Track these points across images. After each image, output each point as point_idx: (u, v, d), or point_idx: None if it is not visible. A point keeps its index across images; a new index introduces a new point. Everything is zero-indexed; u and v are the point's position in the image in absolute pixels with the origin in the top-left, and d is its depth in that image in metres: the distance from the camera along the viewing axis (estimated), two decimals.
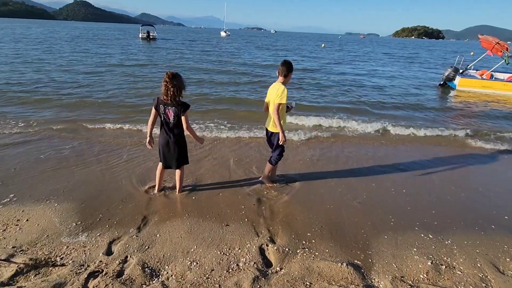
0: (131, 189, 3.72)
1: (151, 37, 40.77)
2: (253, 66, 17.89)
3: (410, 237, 3.05)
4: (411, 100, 10.58)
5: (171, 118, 3.16)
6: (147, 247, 2.70)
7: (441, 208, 3.65)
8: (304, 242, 2.88)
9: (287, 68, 3.46)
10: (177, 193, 3.63)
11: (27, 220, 3.04)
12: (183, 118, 3.15)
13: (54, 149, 4.89)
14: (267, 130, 3.74)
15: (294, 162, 4.79)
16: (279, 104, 3.37)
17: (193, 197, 3.61)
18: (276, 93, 3.38)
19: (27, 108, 7.31)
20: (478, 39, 14.30)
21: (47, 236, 2.80)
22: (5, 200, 3.38)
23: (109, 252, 2.61)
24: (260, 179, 4.09)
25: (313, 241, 2.90)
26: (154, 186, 3.70)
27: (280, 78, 3.51)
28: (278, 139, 3.52)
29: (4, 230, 2.86)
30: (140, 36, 41.82)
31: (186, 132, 3.29)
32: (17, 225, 2.95)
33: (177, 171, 3.55)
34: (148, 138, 3.32)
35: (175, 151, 3.33)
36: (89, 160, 4.55)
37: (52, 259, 2.49)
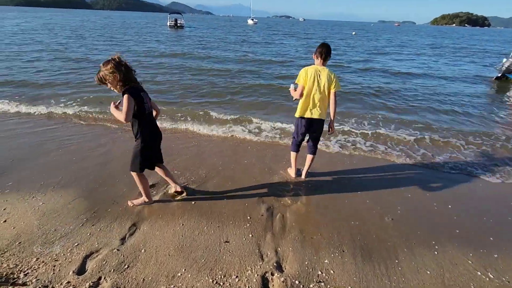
0: (126, 188, 3.29)
1: (178, 25, 40.80)
2: (283, 56, 16.89)
3: (462, 273, 2.33)
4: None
5: (149, 104, 2.69)
6: (126, 266, 2.23)
7: (501, 234, 2.86)
8: (320, 272, 2.27)
9: (328, 50, 3.17)
10: (174, 190, 3.23)
11: (5, 221, 2.71)
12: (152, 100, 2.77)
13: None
14: (308, 118, 3.31)
15: (314, 167, 4.13)
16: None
17: (193, 202, 3.11)
18: (331, 79, 3.16)
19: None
20: None
21: (19, 243, 2.43)
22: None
23: (81, 270, 2.18)
24: (303, 177, 3.71)
25: (332, 271, 2.28)
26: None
27: (320, 61, 3.20)
28: (323, 128, 3.39)
29: None
30: (168, 24, 42.02)
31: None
32: None
33: (163, 166, 3.10)
34: None
35: (160, 139, 2.91)
36: (93, 150, 4.21)
37: (15, 275, 2.10)
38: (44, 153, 4.10)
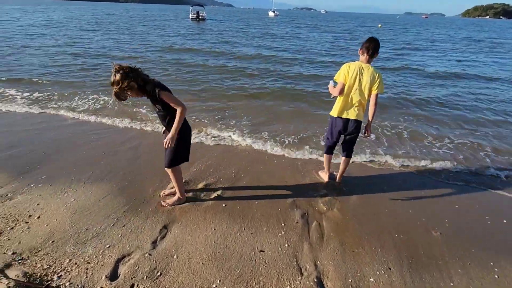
0: (156, 186, 3.21)
1: (200, 17, 40.82)
2: (306, 53, 15.67)
3: None
4: None
5: None
6: (159, 273, 2.13)
7: None
8: None
9: (376, 46, 2.86)
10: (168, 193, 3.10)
11: (39, 217, 2.69)
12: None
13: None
14: (344, 118, 3.05)
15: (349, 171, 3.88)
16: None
17: (224, 205, 2.98)
18: (374, 79, 2.88)
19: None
20: None
21: (53, 242, 2.39)
22: (26, 188, 3.11)
23: (113, 275, 2.10)
24: (337, 180, 3.47)
25: None
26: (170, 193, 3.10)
27: (366, 58, 2.90)
28: (360, 131, 3.13)
29: (12, 228, 2.53)
30: (190, 16, 42.13)
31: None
32: (27, 222, 2.61)
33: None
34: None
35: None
36: (121, 145, 4.18)
37: (49, 277, 2.05)
38: (73, 147, 4.12)
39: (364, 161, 4.10)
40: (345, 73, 2.93)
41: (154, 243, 2.43)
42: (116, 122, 5.16)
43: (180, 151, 2.64)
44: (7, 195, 3.01)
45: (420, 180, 3.69)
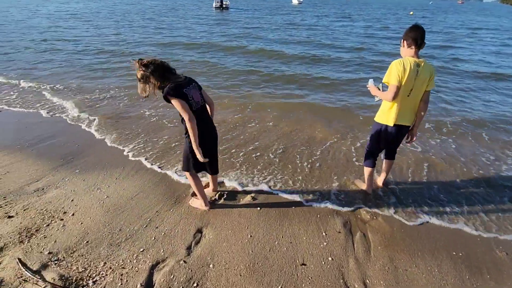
0: (189, 185, 3.10)
1: (224, 6, 40.34)
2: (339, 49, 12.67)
3: None
4: None
5: (199, 98, 2.34)
6: (195, 284, 2.00)
7: None
8: None
9: (423, 35, 2.38)
10: (212, 191, 2.99)
11: (73, 214, 2.66)
12: (203, 91, 2.43)
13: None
14: (399, 125, 2.61)
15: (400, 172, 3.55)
16: None
17: (259, 208, 2.80)
18: (430, 77, 2.43)
19: None
20: None
21: (87, 242, 2.33)
22: (60, 182, 3.10)
23: (149, 284, 2.00)
24: (380, 184, 3.18)
25: None
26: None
27: (415, 51, 2.42)
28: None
29: (48, 225, 2.51)
30: (214, 5, 41.75)
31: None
32: (62, 219, 2.58)
33: (214, 179, 2.95)
34: (199, 149, 2.28)
35: (216, 141, 2.62)
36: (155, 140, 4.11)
37: (84, 282, 1.99)
38: (103, 141, 4.10)
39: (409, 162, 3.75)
40: (399, 73, 2.40)
41: (189, 249, 2.30)
42: (142, 120, 5.10)
43: (194, 158, 2.39)
44: (43, 189, 3.02)
45: (473, 187, 3.31)
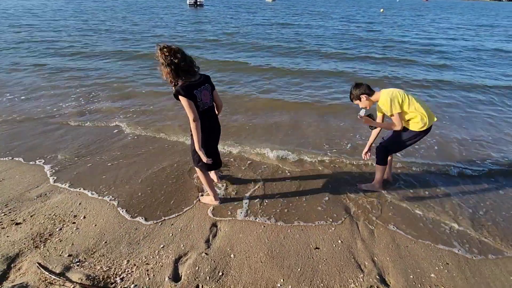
0: (200, 182, 3.18)
1: (198, 3, 39.71)
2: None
3: None
4: None
5: (209, 99, 2.44)
6: (220, 273, 2.12)
7: None
8: None
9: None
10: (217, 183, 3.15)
11: (84, 217, 2.66)
12: (215, 92, 2.53)
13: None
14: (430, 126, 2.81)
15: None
16: None
17: (266, 201, 2.95)
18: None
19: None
20: None
21: (106, 243, 2.36)
22: (63, 186, 3.06)
23: (176, 277, 2.09)
24: (391, 179, 3.35)
25: None
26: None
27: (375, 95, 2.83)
28: None
29: (61, 229, 2.50)
30: (188, 2, 40.97)
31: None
32: (74, 223, 2.58)
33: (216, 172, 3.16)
34: (202, 150, 2.38)
35: (218, 138, 2.73)
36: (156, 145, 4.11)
37: (112, 280, 2.04)
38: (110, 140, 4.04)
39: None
40: (399, 101, 2.67)
41: (208, 242, 2.41)
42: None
43: (198, 158, 2.47)
44: (45, 194, 2.97)
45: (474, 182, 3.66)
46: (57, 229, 2.49)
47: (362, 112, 2.87)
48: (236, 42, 12.48)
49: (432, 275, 2.18)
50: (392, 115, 2.71)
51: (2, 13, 20.83)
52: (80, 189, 3.03)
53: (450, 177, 3.51)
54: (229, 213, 2.75)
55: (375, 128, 3.03)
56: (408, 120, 2.77)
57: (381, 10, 44.57)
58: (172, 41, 12.02)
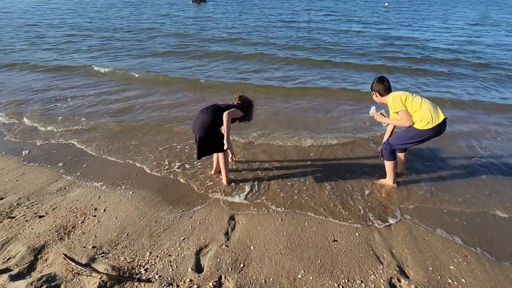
0: (213, 176, 3.22)
1: None
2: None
3: None
4: None
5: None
6: (242, 264, 2.16)
7: None
8: (450, 281, 2.09)
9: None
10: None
11: (105, 210, 2.71)
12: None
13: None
14: (440, 122, 2.83)
15: None
16: None
17: (282, 194, 2.98)
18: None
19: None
20: None
21: (127, 235, 2.41)
22: (80, 181, 3.12)
23: (198, 268, 2.13)
24: (404, 173, 3.38)
25: (463, 280, 2.09)
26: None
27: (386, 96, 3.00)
28: None
29: (83, 222, 2.55)
30: None
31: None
32: (95, 216, 2.63)
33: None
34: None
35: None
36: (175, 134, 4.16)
37: (136, 271, 2.08)
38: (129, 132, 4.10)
39: None
40: (401, 100, 2.82)
41: (227, 235, 2.44)
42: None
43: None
44: (65, 188, 3.03)
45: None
46: (79, 222, 2.55)
47: (373, 110, 3.05)
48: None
49: (451, 267, 2.20)
50: (396, 112, 2.84)
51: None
52: (98, 183, 3.09)
53: (470, 171, 3.51)
54: (245, 207, 2.78)
55: (388, 124, 3.14)
56: (415, 119, 2.84)
57: (386, 4, 43.90)
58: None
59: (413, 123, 2.84)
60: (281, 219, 2.63)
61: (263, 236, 2.44)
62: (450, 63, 8.88)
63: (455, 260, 2.26)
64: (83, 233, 2.42)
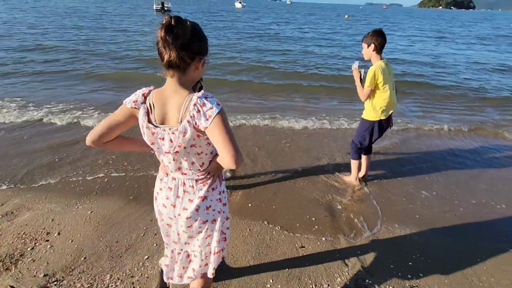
0: None
1: (165, 8, 39.09)
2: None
3: None
4: None
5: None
6: None
7: None
8: (409, 276, 2.20)
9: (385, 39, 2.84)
10: None
11: (59, 233, 2.50)
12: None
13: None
14: (386, 118, 3.00)
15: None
16: None
17: (250, 204, 2.98)
18: (392, 74, 2.97)
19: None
20: None
21: (85, 258, 2.24)
22: (31, 203, 2.86)
23: (164, 287, 2.03)
24: (365, 178, 3.42)
25: (421, 274, 2.22)
26: None
27: (381, 55, 2.90)
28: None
29: (33, 248, 2.33)
30: (154, 7, 40.16)
31: None
32: (47, 240, 2.42)
33: None
34: None
35: None
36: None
37: None
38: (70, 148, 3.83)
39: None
40: (377, 78, 2.81)
41: None
42: None
43: None
44: (12, 212, 2.75)
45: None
46: (29, 249, 2.32)
47: (355, 64, 2.94)
48: None
49: (410, 263, 2.33)
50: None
51: None
52: (51, 205, 2.85)
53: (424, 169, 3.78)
54: None
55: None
56: (370, 102, 2.95)
57: (346, 16, 46.75)
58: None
59: (366, 103, 2.99)
60: (249, 230, 2.62)
61: (231, 247, 2.40)
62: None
63: (413, 256, 2.40)
64: (33, 261, 2.20)
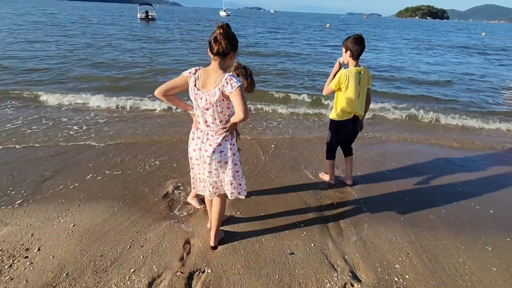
0: (163, 196, 3.06)
1: (150, 17, 38.92)
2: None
3: None
4: None
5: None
6: None
7: None
8: (396, 279, 2.25)
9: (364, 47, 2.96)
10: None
11: (39, 249, 2.39)
12: None
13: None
14: (351, 118, 3.15)
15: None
16: None
17: (238, 212, 2.96)
18: (369, 78, 3.10)
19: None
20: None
21: (67, 274, 2.15)
22: (8, 219, 2.72)
23: None
24: (350, 182, 3.53)
25: (407, 276, 2.27)
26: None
27: (357, 61, 3.00)
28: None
29: (11, 265, 2.22)
30: (138, 16, 39.92)
31: None
32: (26, 257, 2.30)
33: None
34: None
35: None
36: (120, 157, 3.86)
37: None
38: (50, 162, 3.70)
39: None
40: (340, 82, 2.96)
41: (182, 260, 2.33)
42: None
43: None
44: None
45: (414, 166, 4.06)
46: (7, 266, 2.20)
47: (342, 59, 3.07)
48: None
49: (397, 265, 2.37)
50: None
51: None
52: (30, 219, 2.73)
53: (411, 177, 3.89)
54: (201, 229, 2.69)
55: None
56: (334, 103, 3.16)
57: (327, 25, 48.12)
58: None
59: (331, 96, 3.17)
60: (238, 238, 2.60)
61: (220, 257, 2.37)
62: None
63: (399, 259, 2.45)
64: (11, 279, 2.09)
